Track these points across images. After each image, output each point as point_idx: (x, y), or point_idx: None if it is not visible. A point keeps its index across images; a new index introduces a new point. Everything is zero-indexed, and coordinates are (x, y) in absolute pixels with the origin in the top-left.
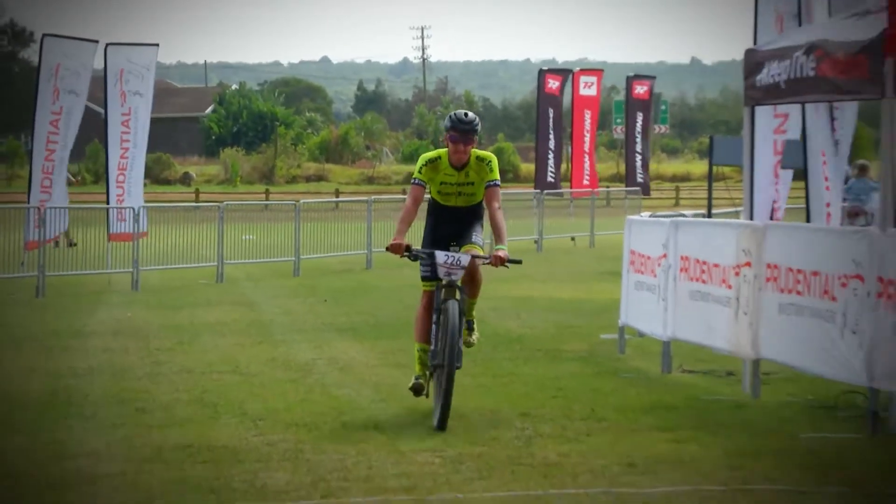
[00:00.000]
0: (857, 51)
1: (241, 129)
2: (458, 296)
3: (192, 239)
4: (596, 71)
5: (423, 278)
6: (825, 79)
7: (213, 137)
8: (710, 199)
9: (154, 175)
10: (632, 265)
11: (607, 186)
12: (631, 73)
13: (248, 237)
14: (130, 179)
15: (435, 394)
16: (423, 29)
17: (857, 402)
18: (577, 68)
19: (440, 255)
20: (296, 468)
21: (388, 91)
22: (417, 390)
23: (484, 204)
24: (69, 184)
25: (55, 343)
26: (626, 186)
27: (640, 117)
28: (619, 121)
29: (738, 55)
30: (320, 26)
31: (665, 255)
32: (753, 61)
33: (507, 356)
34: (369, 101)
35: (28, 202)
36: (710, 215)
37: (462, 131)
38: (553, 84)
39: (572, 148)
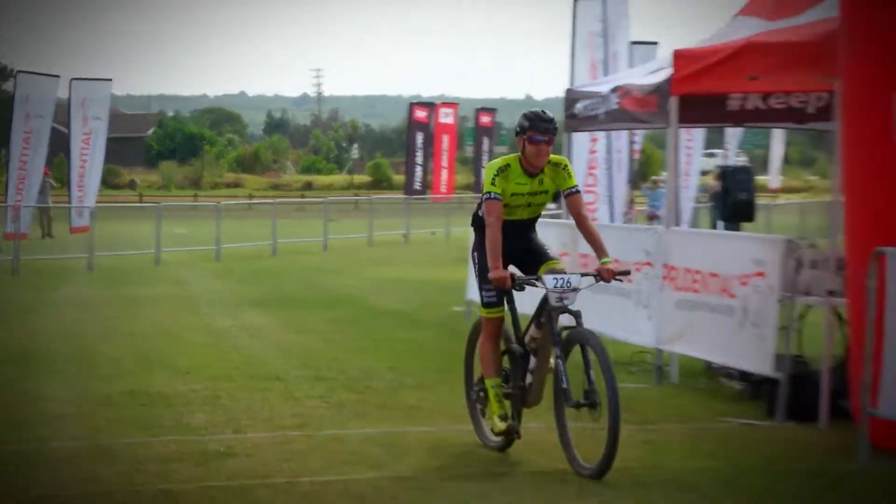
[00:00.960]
0: (651, 91)
1: (175, 146)
2: (580, 319)
3: (136, 231)
4: (452, 104)
5: (488, 304)
6: (626, 111)
7: (154, 153)
8: None
9: (107, 182)
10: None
11: (461, 193)
12: (479, 106)
13: (180, 231)
14: (88, 185)
15: (565, 438)
16: (318, 70)
17: (646, 360)
18: (439, 102)
19: (549, 280)
20: (213, 410)
21: (290, 118)
22: (511, 433)
23: (570, 214)
24: (52, 188)
25: (27, 312)
26: (474, 193)
27: (485, 140)
28: (469, 143)
29: (561, 93)
30: (239, 67)
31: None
32: (571, 98)
33: (380, 325)
34: (276, 125)
35: (6, 202)
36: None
37: (544, 130)
38: (420, 114)
39: (434, 163)
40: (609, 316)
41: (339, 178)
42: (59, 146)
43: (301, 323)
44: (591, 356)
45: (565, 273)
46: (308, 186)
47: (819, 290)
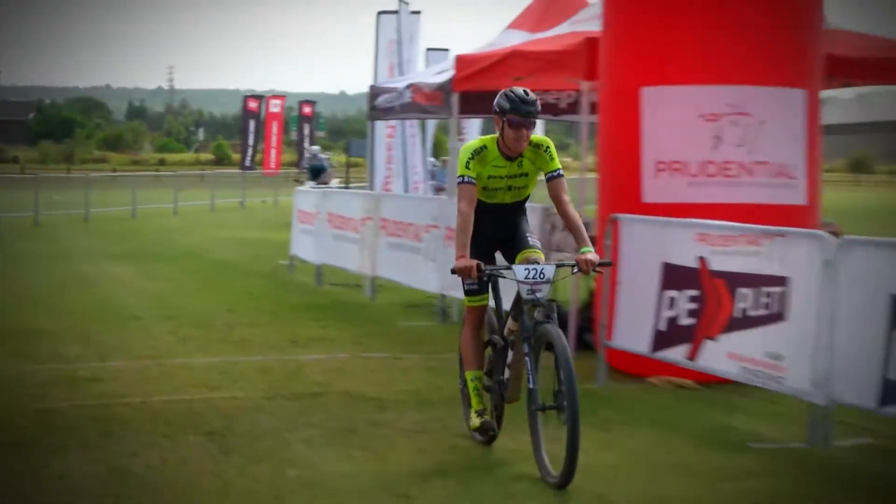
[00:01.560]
0: (437, 88)
1: (52, 128)
2: (553, 314)
3: (19, 198)
4: (280, 97)
5: (470, 293)
6: (417, 104)
7: (34, 133)
8: (347, 177)
9: None
10: (299, 218)
11: (287, 169)
12: (301, 99)
13: (56, 198)
14: None
15: (535, 441)
16: (171, 67)
17: (433, 303)
18: (269, 94)
19: (520, 270)
20: (84, 343)
21: (148, 106)
22: (486, 431)
23: (550, 199)
24: None
25: None
26: (298, 169)
27: (306, 127)
28: (293, 128)
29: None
30: (105, 63)
31: (318, 213)
32: (374, 93)
33: (220, 274)
34: (136, 112)
35: None
36: (347, 187)
37: (525, 113)
38: (252, 104)
39: (265, 145)
40: (404, 267)
41: (188, 156)
42: None
43: (155, 272)
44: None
45: (539, 263)
46: (162, 162)
47: (568, 249)
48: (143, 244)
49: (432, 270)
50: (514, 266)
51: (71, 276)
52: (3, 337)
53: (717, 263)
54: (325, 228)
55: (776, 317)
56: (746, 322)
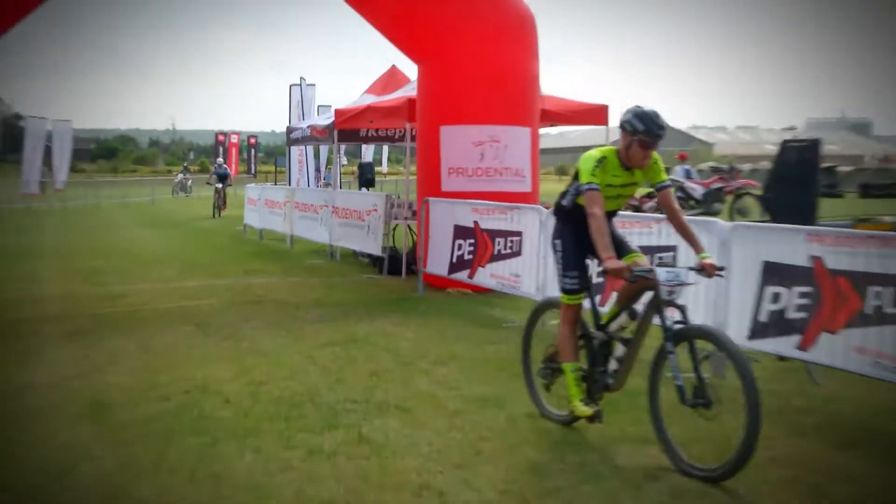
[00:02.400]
0: (325, 127)
1: (104, 153)
2: (687, 314)
3: (84, 193)
4: (237, 133)
5: (569, 291)
6: (314, 137)
7: (94, 155)
8: (276, 178)
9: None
10: (248, 201)
11: (242, 176)
12: (249, 134)
13: (105, 192)
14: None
15: (661, 434)
16: (173, 116)
17: (325, 249)
18: (230, 132)
19: (662, 273)
20: (121, 274)
21: (160, 140)
22: (597, 417)
23: (662, 207)
24: None
25: None
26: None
27: (252, 151)
28: (245, 151)
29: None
30: (134, 111)
31: (259, 198)
32: (290, 129)
33: (203, 235)
34: (153, 143)
35: None
36: (275, 184)
37: (656, 135)
38: (221, 138)
39: (228, 161)
40: (308, 230)
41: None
42: None
43: (164, 234)
44: (709, 352)
45: (695, 267)
46: (169, 172)
47: (401, 217)
48: (157, 218)
49: (325, 230)
50: (656, 268)
51: (116, 236)
52: (77, 271)
53: (485, 224)
54: (263, 207)
55: (517, 254)
56: (500, 257)
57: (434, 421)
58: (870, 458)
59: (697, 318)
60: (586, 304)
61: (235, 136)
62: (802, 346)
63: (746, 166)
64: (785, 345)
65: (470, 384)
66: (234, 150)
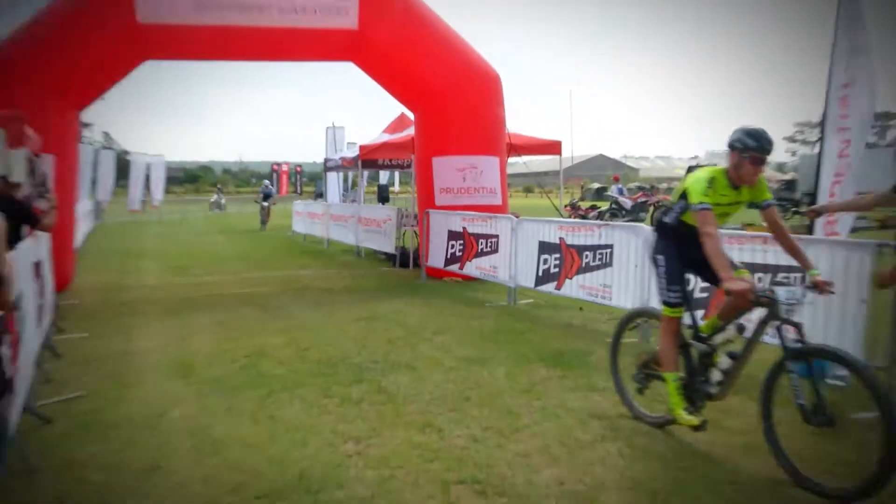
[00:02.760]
0: (352, 158)
1: (189, 178)
2: (803, 331)
3: (174, 209)
4: (286, 163)
5: (672, 305)
6: (344, 166)
7: (180, 181)
8: (316, 196)
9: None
10: (295, 213)
11: (292, 195)
12: (296, 164)
13: (190, 208)
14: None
15: (776, 447)
16: (241, 151)
17: (354, 249)
18: (282, 162)
19: (782, 293)
20: (204, 269)
21: (231, 169)
22: (704, 426)
23: (767, 225)
24: None
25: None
26: (260, 194)
27: (298, 177)
28: (293, 177)
29: (322, 158)
30: (210, 145)
31: (303, 211)
32: (326, 161)
33: (262, 239)
34: (226, 171)
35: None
36: (316, 200)
37: (767, 152)
38: (276, 167)
39: (280, 184)
40: (341, 234)
41: (250, 189)
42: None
43: (235, 239)
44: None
45: (795, 286)
46: (238, 193)
47: (408, 225)
48: (227, 227)
49: (352, 235)
50: (776, 288)
51: (198, 240)
52: (172, 268)
53: (471, 229)
54: (306, 218)
55: (494, 251)
56: (482, 253)
57: (434, 376)
58: (755, 400)
59: (626, 298)
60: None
61: (286, 166)
62: (705, 318)
63: (663, 185)
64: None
65: (461, 348)
66: (285, 177)
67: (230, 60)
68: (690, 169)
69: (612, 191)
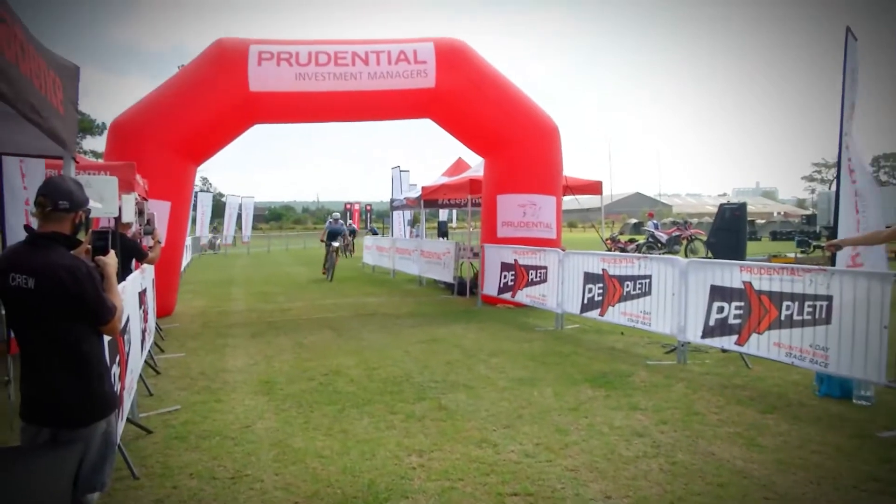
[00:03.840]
0: (415, 198)
1: (272, 217)
2: None
3: (259, 243)
4: (357, 203)
5: None
6: (408, 205)
7: (265, 219)
8: (384, 232)
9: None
10: (366, 247)
11: (363, 229)
12: (367, 203)
13: (274, 243)
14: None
15: None
16: (318, 192)
17: (416, 279)
18: (353, 202)
19: None
20: (285, 295)
21: (309, 208)
22: None
23: None
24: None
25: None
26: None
27: (368, 215)
28: (363, 216)
29: (388, 199)
30: (290, 187)
31: (373, 245)
32: (392, 201)
33: (337, 270)
34: (304, 210)
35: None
36: (383, 235)
37: None
38: (348, 206)
39: (353, 220)
40: (405, 265)
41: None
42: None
43: (312, 270)
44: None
45: None
46: (315, 229)
47: (465, 257)
48: (306, 260)
49: (416, 266)
50: None
51: (279, 271)
52: (258, 294)
53: (522, 261)
54: (375, 251)
55: (543, 281)
56: (532, 283)
57: (489, 394)
58: (787, 419)
59: (664, 324)
60: None
61: (358, 205)
62: (739, 342)
63: (695, 220)
64: (727, 342)
65: (513, 369)
66: (356, 215)
67: (324, 122)
68: (722, 206)
69: (649, 225)
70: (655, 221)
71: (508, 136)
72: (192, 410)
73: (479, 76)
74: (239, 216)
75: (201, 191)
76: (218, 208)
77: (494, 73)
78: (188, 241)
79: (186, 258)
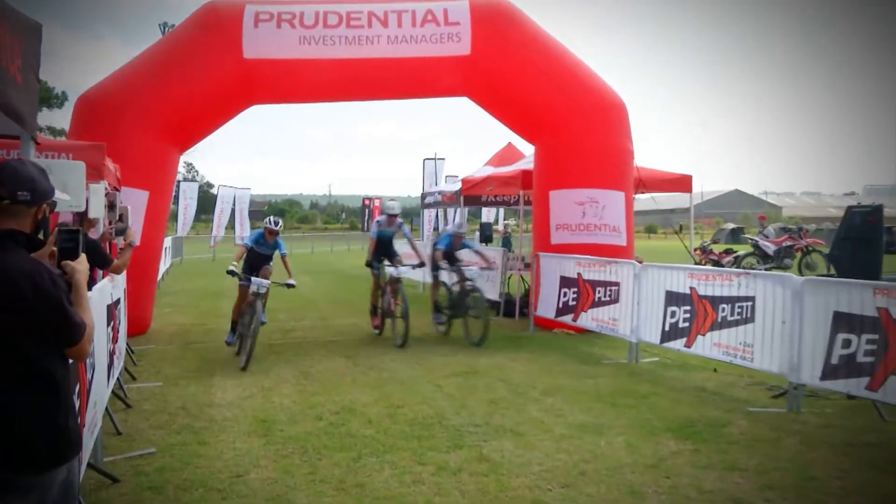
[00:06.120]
0: (452, 194)
1: (274, 212)
2: None
3: None
4: (379, 198)
5: None
6: (443, 202)
7: (265, 215)
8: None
9: None
10: None
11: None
12: (388, 198)
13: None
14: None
15: None
16: (330, 184)
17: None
18: (374, 197)
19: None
20: (289, 314)
21: (320, 203)
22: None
23: None
24: None
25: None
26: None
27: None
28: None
29: (419, 192)
30: (298, 180)
31: None
32: (424, 195)
33: (343, 280)
34: (313, 206)
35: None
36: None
37: None
38: (367, 202)
39: (371, 220)
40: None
41: (338, 226)
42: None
43: (321, 279)
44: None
45: None
46: (325, 230)
47: (515, 269)
48: (312, 268)
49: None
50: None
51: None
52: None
53: (587, 275)
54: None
55: (614, 301)
56: (600, 303)
57: (543, 444)
58: None
59: (771, 360)
60: None
61: (378, 200)
62: (871, 387)
63: (812, 226)
64: (854, 385)
65: (573, 412)
66: (377, 213)
67: (337, 101)
68: (850, 209)
69: (756, 233)
70: (767, 228)
71: (562, 115)
72: (169, 454)
73: (524, 41)
74: (232, 212)
75: (185, 179)
76: (206, 202)
77: (545, 38)
78: (167, 241)
79: (165, 264)
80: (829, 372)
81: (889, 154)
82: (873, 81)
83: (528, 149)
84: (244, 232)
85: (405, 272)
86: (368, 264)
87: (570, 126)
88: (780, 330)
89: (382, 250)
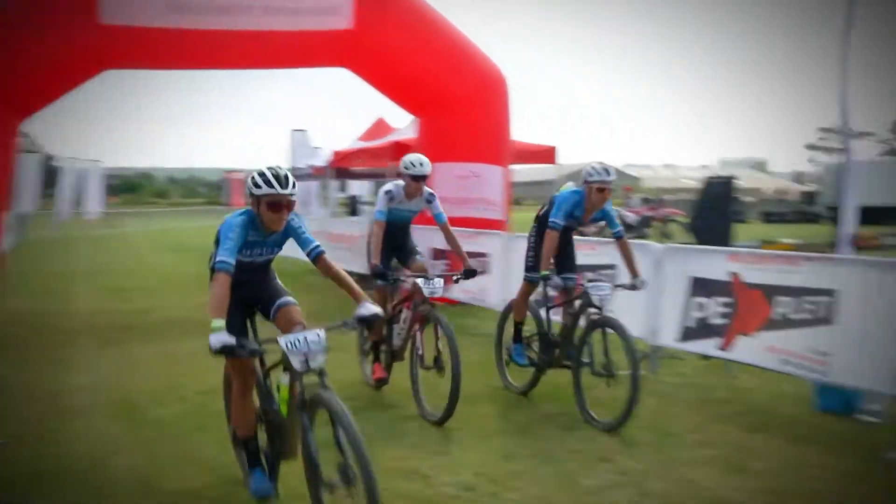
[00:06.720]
0: (321, 166)
1: (129, 187)
2: None
3: (110, 220)
4: (240, 172)
5: None
6: (313, 175)
7: (120, 190)
8: None
9: None
10: None
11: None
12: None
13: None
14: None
15: None
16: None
17: None
18: (233, 170)
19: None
20: (125, 297)
21: (174, 176)
22: None
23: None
24: None
25: None
26: None
27: None
28: None
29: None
30: (155, 150)
31: None
32: (294, 168)
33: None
34: (170, 181)
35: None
36: None
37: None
38: (227, 176)
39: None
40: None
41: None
42: None
43: (183, 258)
44: None
45: None
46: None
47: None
48: (175, 244)
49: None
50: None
51: (141, 260)
52: (110, 291)
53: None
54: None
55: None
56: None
57: None
58: (779, 439)
59: (635, 325)
60: None
61: (241, 174)
62: (723, 347)
63: (669, 197)
64: (709, 346)
65: None
66: (237, 186)
67: (203, 69)
68: (709, 180)
69: (621, 203)
70: (631, 199)
71: (448, 88)
72: (22, 444)
73: (409, 14)
74: (81, 187)
75: (25, 151)
76: (49, 176)
77: (430, 11)
78: (10, 218)
79: (7, 242)
80: (686, 334)
81: (741, 129)
82: (728, 61)
83: (400, 123)
84: (98, 208)
85: (445, 290)
86: (377, 274)
87: (454, 99)
88: (641, 295)
89: (393, 246)
